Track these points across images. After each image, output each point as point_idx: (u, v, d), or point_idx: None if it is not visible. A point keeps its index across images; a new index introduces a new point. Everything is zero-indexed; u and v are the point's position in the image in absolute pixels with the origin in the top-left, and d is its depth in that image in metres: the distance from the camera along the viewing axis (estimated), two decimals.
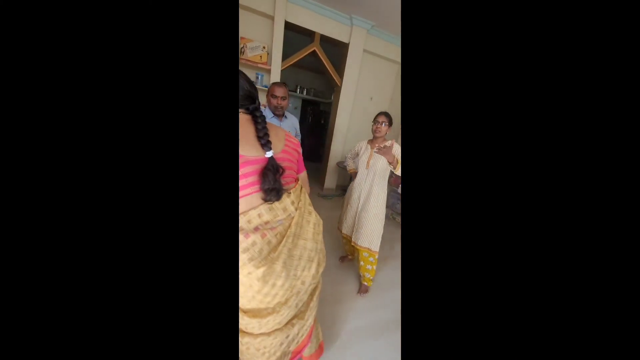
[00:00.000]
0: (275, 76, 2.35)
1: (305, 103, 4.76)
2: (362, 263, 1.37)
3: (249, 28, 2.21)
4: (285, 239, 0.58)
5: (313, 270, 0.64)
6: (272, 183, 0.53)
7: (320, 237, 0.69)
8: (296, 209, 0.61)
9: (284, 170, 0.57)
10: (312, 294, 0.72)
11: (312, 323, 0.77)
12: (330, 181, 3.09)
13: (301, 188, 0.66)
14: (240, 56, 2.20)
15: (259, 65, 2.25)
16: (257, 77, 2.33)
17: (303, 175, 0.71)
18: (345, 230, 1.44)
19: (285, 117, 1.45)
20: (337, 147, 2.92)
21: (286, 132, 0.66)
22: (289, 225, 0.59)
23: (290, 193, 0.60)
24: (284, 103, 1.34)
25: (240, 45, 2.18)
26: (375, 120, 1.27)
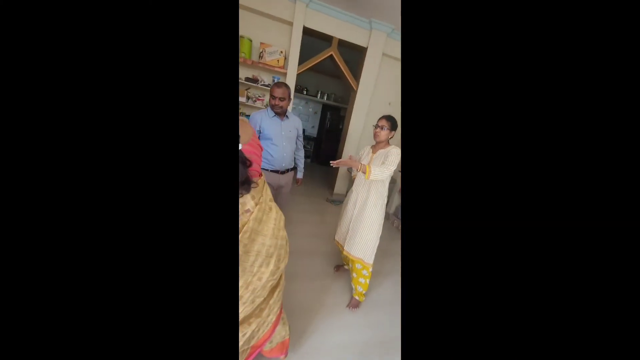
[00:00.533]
0: (291, 79, 2.40)
1: (326, 108, 4.79)
2: (354, 275, 1.27)
3: (268, 34, 2.31)
4: (241, 234, 0.56)
5: (272, 267, 0.61)
6: (242, 175, 0.53)
7: (282, 232, 0.66)
8: (256, 204, 0.59)
9: (251, 163, 0.57)
10: (272, 291, 0.70)
11: (275, 319, 0.74)
12: (340, 186, 3.02)
13: (264, 183, 0.64)
14: (259, 60, 2.31)
15: (276, 69, 2.33)
16: (274, 80, 2.40)
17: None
18: (339, 237, 1.36)
19: (287, 117, 1.45)
20: (350, 152, 2.85)
21: (254, 130, 0.66)
22: (247, 221, 0.58)
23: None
24: (282, 103, 1.34)
25: (260, 50, 2.29)
26: (375, 125, 1.20)
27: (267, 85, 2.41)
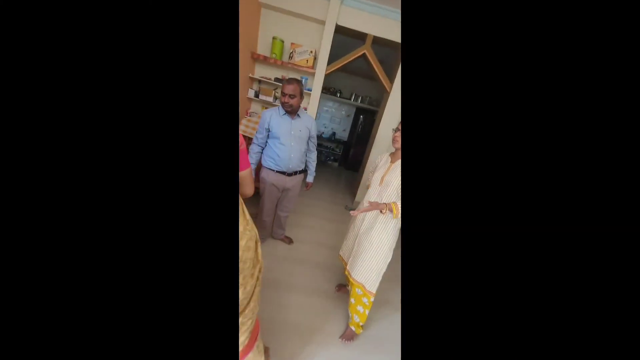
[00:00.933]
0: (319, 80, 2.32)
1: (359, 111, 4.59)
2: (352, 301, 1.09)
3: (301, 34, 2.30)
4: None
5: None
6: None
7: (246, 254, 0.55)
8: None
9: None
10: None
11: (243, 348, 0.65)
12: (362, 194, 2.79)
13: None
14: (289, 60, 2.31)
15: (304, 69, 2.29)
16: (301, 80, 2.37)
17: (243, 173, 0.60)
18: (344, 253, 1.19)
19: (299, 116, 1.36)
20: (376, 158, 2.61)
21: None
22: None
23: None
24: (293, 101, 1.25)
25: (290, 51, 2.29)
26: (395, 128, 1.00)
27: None
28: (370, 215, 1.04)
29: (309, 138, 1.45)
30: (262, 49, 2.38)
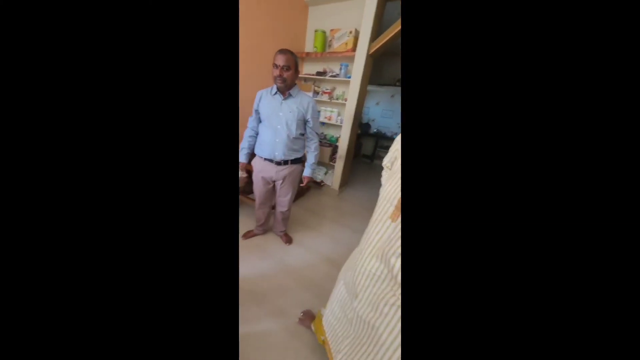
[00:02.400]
0: (359, 62, 1.96)
1: None
2: None
3: (341, 17, 2.08)
4: None
5: None
6: None
7: None
8: None
9: None
10: None
11: None
12: None
13: None
14: (327, 49, 2.14)
15: (345, 54, 2.03)
16: (341, 68, 2.12)
17: None
18: (328, 326, 0.76)
19: (291, 95, 1.14)
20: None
21: None
22: None
23: None
24: (286, 74, 1.05)
25: (329, 38, 2.11)
26: None
27: (334, 76, 2.18)
28: (370, 279, 0.55)
29: (305, 122, 1.20)
30: (310, 46, 2.36)
